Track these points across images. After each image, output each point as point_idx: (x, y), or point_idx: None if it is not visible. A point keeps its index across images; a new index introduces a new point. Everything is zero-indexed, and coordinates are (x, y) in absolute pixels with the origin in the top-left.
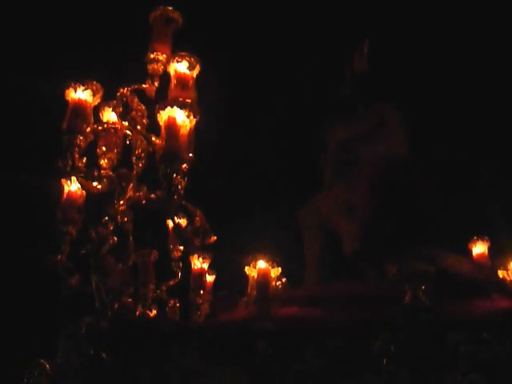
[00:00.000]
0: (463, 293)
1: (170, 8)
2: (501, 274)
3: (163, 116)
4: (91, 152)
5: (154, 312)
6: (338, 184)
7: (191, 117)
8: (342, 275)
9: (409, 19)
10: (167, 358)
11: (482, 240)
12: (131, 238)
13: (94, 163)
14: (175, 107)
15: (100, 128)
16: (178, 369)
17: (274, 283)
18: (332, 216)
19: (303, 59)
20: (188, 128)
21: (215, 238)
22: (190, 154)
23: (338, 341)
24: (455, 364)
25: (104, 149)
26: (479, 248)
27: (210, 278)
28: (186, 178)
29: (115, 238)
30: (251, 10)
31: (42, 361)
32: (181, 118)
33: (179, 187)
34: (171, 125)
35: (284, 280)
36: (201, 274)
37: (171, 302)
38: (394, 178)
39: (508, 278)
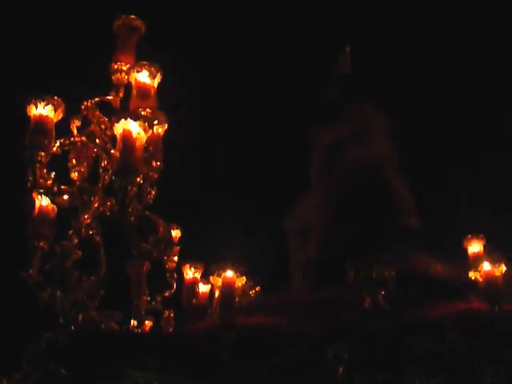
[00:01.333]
0: (437, 295)
1: (133, 16)
2: (472, 275)
3: (118, 128)
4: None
5: (149, 323)
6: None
7: (157, 125)
8: (328, 281)
9: (390, 22)
10: (128, 370)
11: (478, 238)
12: (102, 251)
13: (55, 178)
14: (129, 119)
15: (67, 142)
16: (139, 380)
17: (240, 292)
18: (309, 221)
19: (288, 62)
20: (144, 139)
21: (178, 248)
22: (159, 163)
23: (298, 348)
24: (415, 368)
25: (74, 162)
26: (475, 247)
27: (204, 288)
28: (155, 188)
29: (79, 252)
30: (238, 12)
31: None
32: (136, 130)
33: (148, 196)
34: (126, 137)
35: (258, 289)
36: (193, 283)
37: (166, 312)
38: (357, 184)
39: (480, 280)
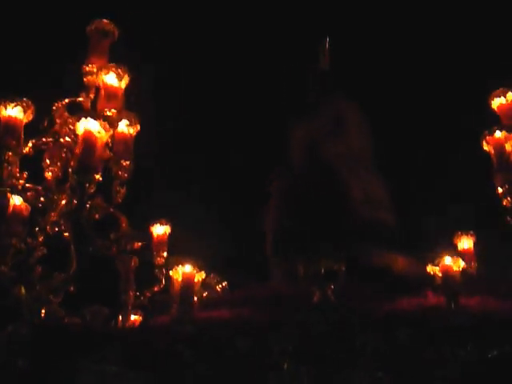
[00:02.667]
0: (396, 290)
1: (106, 21)
2: (430, 269)
3: (79, 128)
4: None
5: (137, 317)
6: None
7: (128, 126)
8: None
9: (367, 19)
10: (87, 363)
11: (467, 235)
12: (72, 247)
13: (17, 177)
14: (89, 119)
15: (39, 142)
16: (96, 373)
17: (199, 287)
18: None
19: (266, 58)
20: (105, 139)
21: (139, 243)
22: (128, 162)
23: (249, 340)
24: (362, 362)
25: (48, 162)
26: (464, 243)
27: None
28: (124, 186)
29: (44, 249)
30: (216, 7)
31: None
32: (96, 130)
33: (118, 195)
34: (86, 136)
35: (225, 284)
36: None
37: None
38: (309, 181)
39: (437, 274)
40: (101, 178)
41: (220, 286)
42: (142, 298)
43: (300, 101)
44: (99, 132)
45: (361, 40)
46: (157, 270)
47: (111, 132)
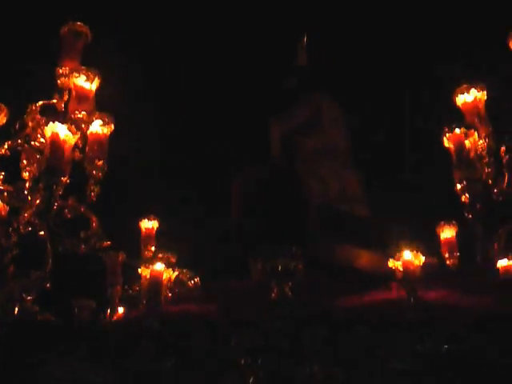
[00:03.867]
0: (360, 285)
1: (79, 23)
2: (391, 264)
3: (47, 132)
4: None
5: (121, 311)
6: None
7: (102, 126)
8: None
9: (345, 15)
10: (50, 359)
11: (449, 225)
12: (48, 246)
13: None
14: (56, 123)
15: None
16: (62, 369)
17: (168, 284)
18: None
19: (247, 54)
20: (73, 142)
21: (109, 242)
22: (100, 162)
23: (204, 336)
24: (313, 357)
25: (25, 162)
26: (447, 233)
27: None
28: (98, 186)
29: (15, 249)
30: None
31: None
32: (63, 133)
33: (92, 194)
34: (54, 139)
35: (197, 280)
36: None
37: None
38: (267, 178)
39: (398, 269)
40: (68, 181)
41: (192, 281)
42: (130, 291)
43: (278, 97)
44: (66, 135)
45: (338, 36)
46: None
47: (79, 135)
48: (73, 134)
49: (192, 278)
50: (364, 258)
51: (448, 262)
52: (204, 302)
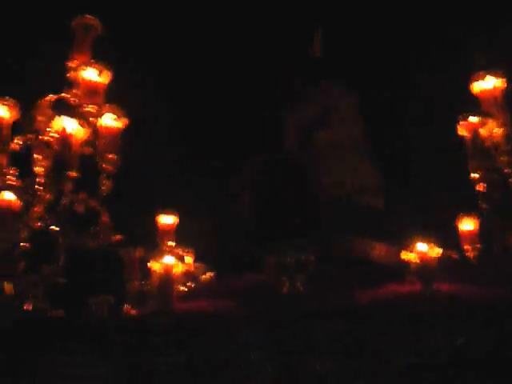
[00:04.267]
0: (375, 277)
1: (89, 16)
2: (404, 256)
3: (56, 126)
4: None
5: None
6: None
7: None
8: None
9: (360, 8)
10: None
11: (470, 217)
12: (61, 240)
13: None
14: (64, 117)
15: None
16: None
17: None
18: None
19: (261, 46)
20: (82, 136)
21: (119, 237)
22: (112, 156)
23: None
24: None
25: (37, 157)
26: (467, 225)
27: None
28: (110, 179)
29: (27, 245)
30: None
31: None
32: (71, 127)
33: (103, 188)
34: (62, 135)
35: (210, 274)
36: None
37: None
38: (272, 177)
39: (413, 260)
40: (76, 175)
41: (205, 276)
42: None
43: (293, 88)
44: (74, 129)
45: (354, 29)
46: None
47: (89, 130)
48: (83, 128)
49: (205, 272)
50: (379, 250)
51: (469, 254)
52: (216, 297)
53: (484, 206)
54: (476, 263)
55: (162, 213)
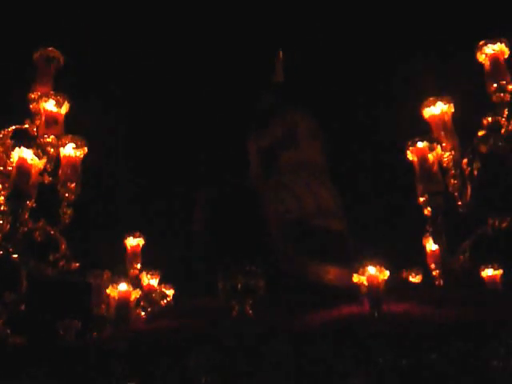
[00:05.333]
0: (328, 300)
1: (50, 48)
2: (356, 278)
3: (14, 156)
4: None
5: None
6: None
7: (75, 149)
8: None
9: (321, 31)
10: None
11: None
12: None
13: None
14: (22, 148)
15: None
16: None
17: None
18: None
19: (225, 69)
20: (40, 165)
21: (77, 264)
22: (73, 185)
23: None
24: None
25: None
26: (432, 245)
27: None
28: (71, 208)
29: None
30: (176, 17)
31: None
32: (29, 157)
33: (65, 216)
34: (20, 164)
35: (169, 299)
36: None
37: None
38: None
39: (363, 284)
40: (34, 204)
41: (164, 301)
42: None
43: (255, 112)
44: (32, 159)
45: (314, 52)
46: (131, 281)
47: (45, 159)
48: (39, 158)
49: (164, 298)
50: (333, 274)
51: (434, 274)
52: (172, 321)
53: (430, 229)
54: (440, 283)
55: (129, 235)
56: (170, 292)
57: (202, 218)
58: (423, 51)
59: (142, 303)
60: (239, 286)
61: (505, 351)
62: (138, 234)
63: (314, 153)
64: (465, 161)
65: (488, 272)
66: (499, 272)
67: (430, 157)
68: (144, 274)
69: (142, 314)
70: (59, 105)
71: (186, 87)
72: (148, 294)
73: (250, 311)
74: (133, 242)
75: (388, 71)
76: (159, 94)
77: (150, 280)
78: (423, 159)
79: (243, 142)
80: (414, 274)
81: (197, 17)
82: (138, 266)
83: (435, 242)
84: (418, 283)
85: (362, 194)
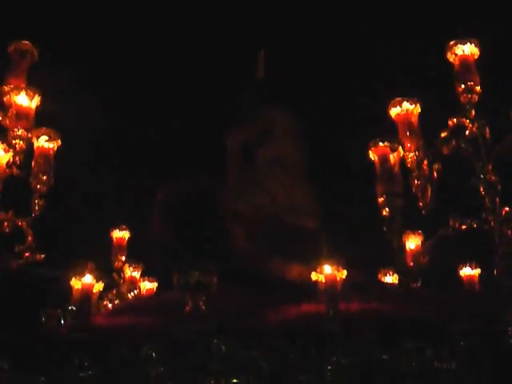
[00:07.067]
0: (286, 298)
1: (25, 42)
2: (314, 276)
3: None
4: None
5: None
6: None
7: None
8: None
9: (303, 30)
10: None
11: (414, 234)
12: None
13: None
14: None
15: None
16: None
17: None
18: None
19: (206, 65)
20: (5, 160)
21: (42, 256)
22: (45, 177)
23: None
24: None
25: None
26: (412, 243)
27: (150, 285)
28: (42, 199)
29: None
30: (156, 13)
31: None
32: None
33: (36, 208)
34: None
35: (136, 292)
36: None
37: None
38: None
39: (321, 281)
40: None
41: (131, 294)
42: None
43: (234, 110)
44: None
45: (296, 50)
46: (115, 274)
47: (11, 152)
48: (5, 152)
49: (131, 291)
50: (296, 271)
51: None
52: (135, 314)
53: (385, 229)
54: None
55: (115, 228)
56: (153, 285)
57: (161, 218)
58: (400, 46)
59: (109, 295)
60: (192, 281)
61: (449, 352)
62: (123, 226)
63: (290, 150)
64: (425, 162)
65: (466, 271)
66: (477, 271)
67: (391, 157)
68: (127, 266)
69: (109, 306)
70: (30, 98)
71: (162, 81)
72: (120, 287)
73: (203, 307)
74: (118, 234)
75: (367, 69)
76: (135, 85)
77: (133, 272)
78: (384, 159)
79: (218, 138)
80: (390, 273)
81: (179, 12)
82: (123, 258)
83: (392, 243)
84: (391, 283)
85: (341, 192)
